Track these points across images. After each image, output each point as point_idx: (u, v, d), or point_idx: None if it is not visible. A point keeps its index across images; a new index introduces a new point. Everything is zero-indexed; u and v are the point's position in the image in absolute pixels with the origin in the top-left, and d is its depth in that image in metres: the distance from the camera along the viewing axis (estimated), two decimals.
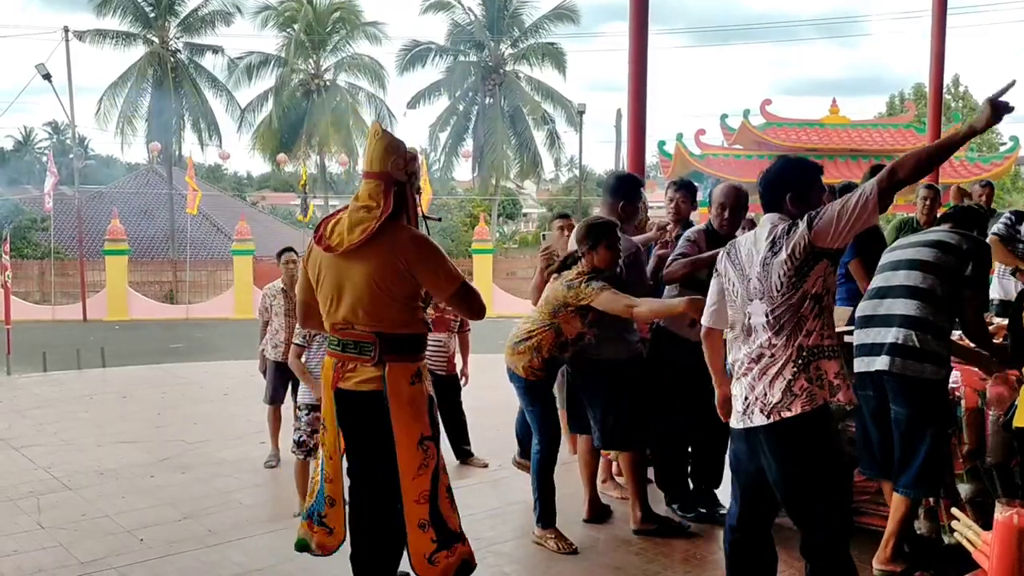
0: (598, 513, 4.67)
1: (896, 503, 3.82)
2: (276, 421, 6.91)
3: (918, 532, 4.15)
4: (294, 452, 5.50)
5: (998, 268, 6.30)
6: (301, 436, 5.45)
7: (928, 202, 6.44)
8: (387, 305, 3.15)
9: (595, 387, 4.40)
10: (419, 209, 3.39)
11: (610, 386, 4.34)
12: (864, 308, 3.91)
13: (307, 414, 5.43)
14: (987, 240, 4.28)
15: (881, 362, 3.69)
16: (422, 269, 3.16)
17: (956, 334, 3.98)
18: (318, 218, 37.74)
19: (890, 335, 3.69)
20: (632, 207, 4.56)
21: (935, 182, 9.22)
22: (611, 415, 4.35)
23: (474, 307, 3.34)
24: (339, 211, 3.33)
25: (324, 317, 3.30)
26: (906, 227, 6.58)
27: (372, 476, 3.30)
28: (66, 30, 26.35)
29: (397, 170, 3.20)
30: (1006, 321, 4.68)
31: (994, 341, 4.09)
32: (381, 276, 3.12)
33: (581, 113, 30.28)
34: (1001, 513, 1.45)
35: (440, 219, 22.77)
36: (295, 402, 6.88)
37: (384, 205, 3.13)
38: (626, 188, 4.58)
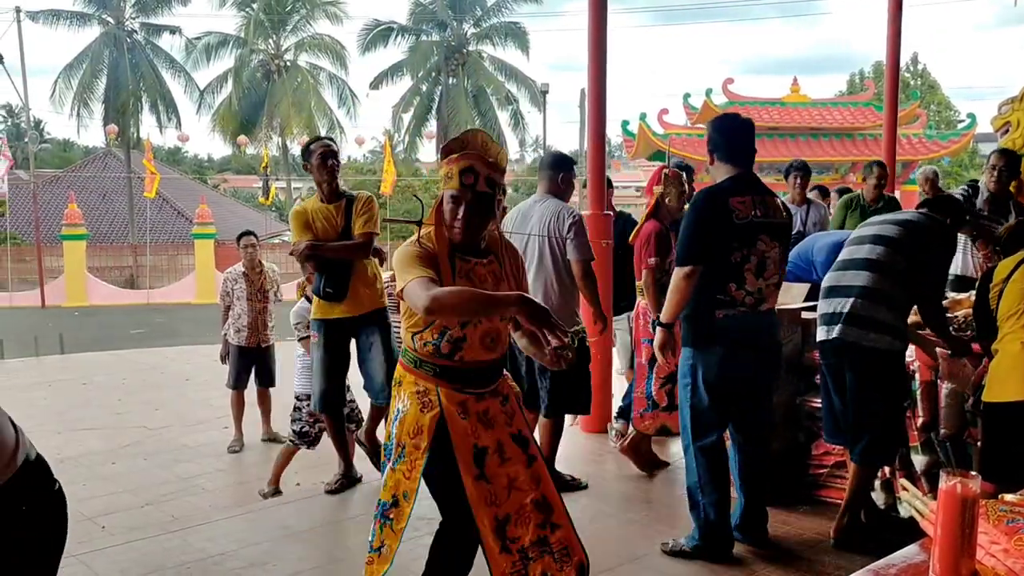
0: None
1: (852, 473, 3.90)
2: (240, 406, 6.86)
3: (876, 504, 4.23)
4: (294, 442, 5.42)
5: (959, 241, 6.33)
6: (303, 427, 5.36)
7: (876, 179, 6.50)
8: None
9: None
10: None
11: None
12: (828, 279, 3.99)
13: (307, 404, 5.32)
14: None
15: (838, 330, 3.77)
16: None
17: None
18: (280, 200, 37.52)
19: (848, 305, 3.77)
20: (569, 178, 4.83)
21: (893, 159, 9.34)
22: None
23: None
24: None
25: None
26: (854, 204, 6.63)
27: None
28: (18, 11, 25.74)
29: None
30: (961, 296, 4.77)
31: (949, 318, 4.17)
32: None
33: (545, 93, 30.17)
34: (945, 482, 1.48)
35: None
36: (258, 387, 6.85)
37: None
38: (563, 162, 4.88)
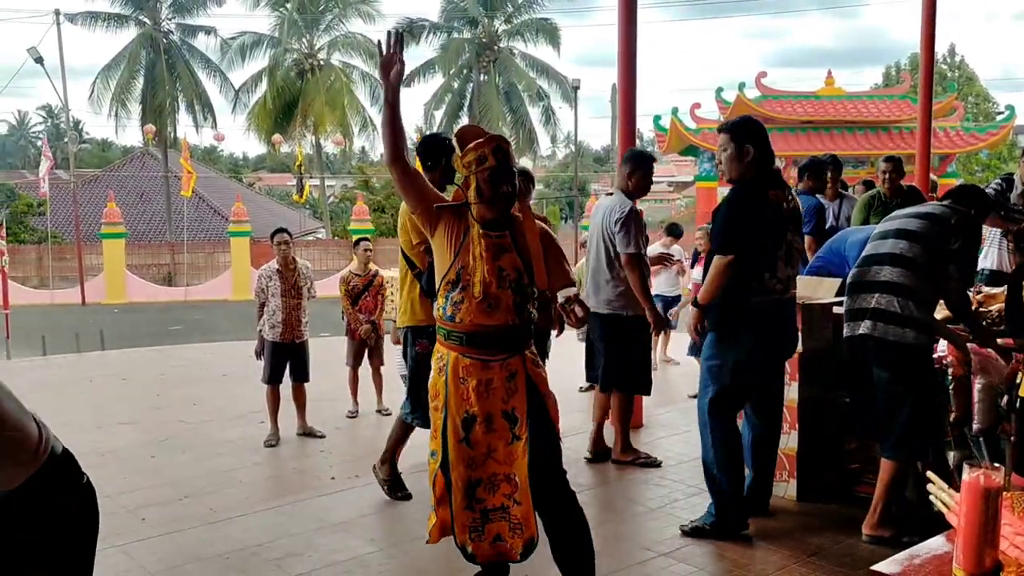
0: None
1: (883, 468, 3.88)
2: (275, 401, 6.95)
3: (908, 499, 4.20)
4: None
5: (989, 236, 6.23)
6: None
7: (888, 174, 6.44)
8: None
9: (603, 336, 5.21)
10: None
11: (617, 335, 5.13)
12: (853, 275, 3.98)
13: None
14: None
15: (864, 326, 3.77)
16: None
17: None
18: (314, 198, 37.79)
19: (873, 300, 3.76)
20: (638, 175, 5.15)
21: (927, 151, 9.24)
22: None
23: None
24: None
25: None
26: (875, 201, 6.55)
27: None
28: (57, 13, 26.20)
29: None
30: (996, 290, 4.72)
31: (976, 312, 4.12)
32: None
33: (576, 88, 30.11)
34: (968, 474, 1.49)
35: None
36: (293, 382, 6.94)
37: None
38: (632, 159, 5.25)
